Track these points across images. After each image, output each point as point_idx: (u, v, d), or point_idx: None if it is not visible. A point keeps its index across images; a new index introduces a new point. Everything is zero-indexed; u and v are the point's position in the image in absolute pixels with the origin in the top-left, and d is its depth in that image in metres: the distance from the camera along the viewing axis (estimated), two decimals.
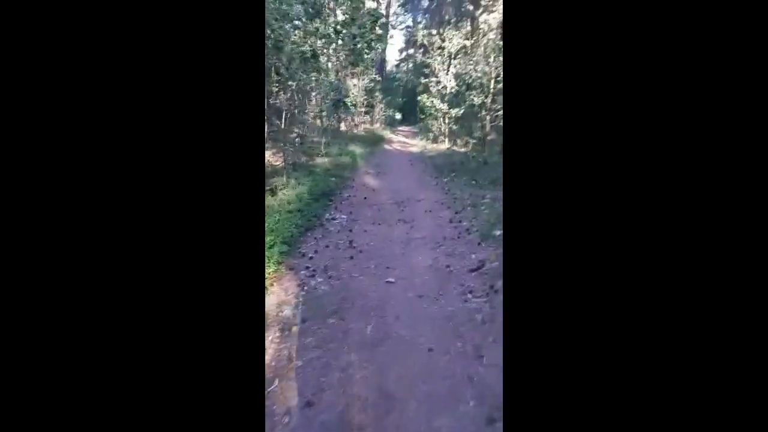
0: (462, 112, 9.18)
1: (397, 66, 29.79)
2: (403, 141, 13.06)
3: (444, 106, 10.00)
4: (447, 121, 10.18)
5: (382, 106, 16.00)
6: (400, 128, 19.62)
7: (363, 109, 13.54)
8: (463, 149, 9.31)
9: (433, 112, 10.81)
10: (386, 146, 11.54)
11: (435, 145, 10.89)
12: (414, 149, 10.80)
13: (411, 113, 22.47)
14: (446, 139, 10.43)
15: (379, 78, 16.62)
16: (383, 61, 20.49)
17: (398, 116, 23.14)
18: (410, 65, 27.61)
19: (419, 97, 11.82)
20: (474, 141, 8.92)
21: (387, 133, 14.93)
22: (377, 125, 15.69)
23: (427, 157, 8.72)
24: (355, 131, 12.88)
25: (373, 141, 11.36)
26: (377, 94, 15.63)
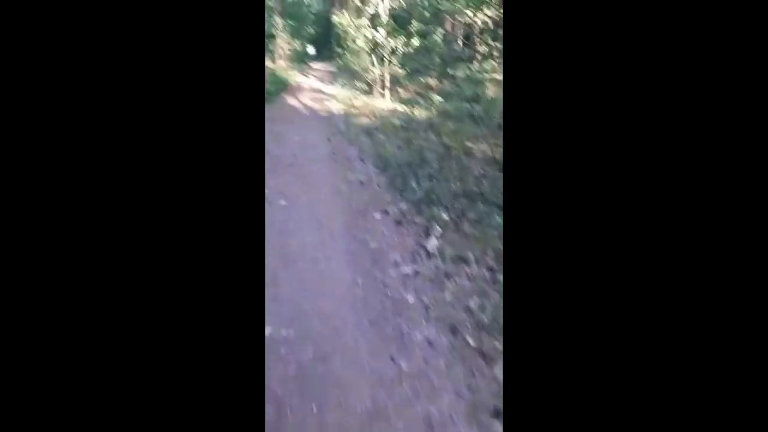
0: (417, 45, 5.45)
1: None
2: (318, 89, 9.23)
3: (380, 35, 6.04)
4: (386, 61, 6.30)
5: (284, 36, 12.24)
6: (313, 65, 16.57)
7: None
8: (419, 112, 5.57)
9: (359, 44, 6.78)
10: (289, 99, 7.68)
11: (368, 100, 7.05)
12: (334, 107, 6.96)
13: (326, 46, 19.16)
14: (387, 92, 6.55)
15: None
16: None
17: (311, 50, 19.64)
18: None
19: (336, 18, 7.64)
20: (439, 99, 5.44)
21: (293, 75, 11.21)
22: (281, 62, 11.98)
23: (358, 129, 5.12)
24: None
25: (270, 90, 7.60)
26: (275, 19, 11.76)
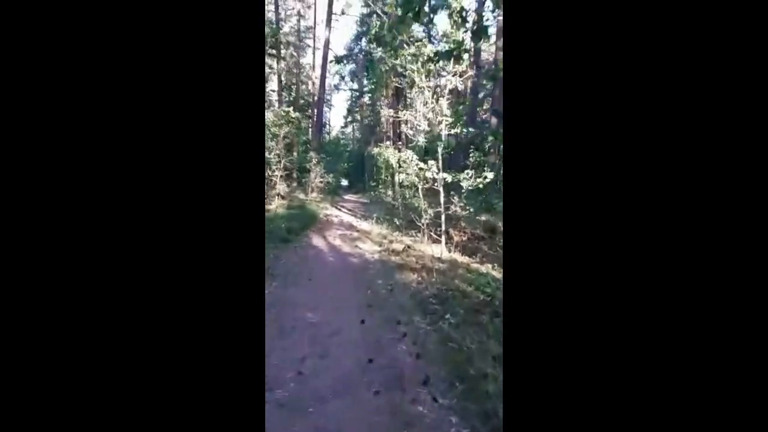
0: (491, 177, 3.96)
1: (342, 132, 27.96)
2: (348, 224, 8.05)
3: (432, 168, 4.69)
4: (442, 197, 4.75)
5: (319, 170, 11.91)
6: (346, 197, 16.41)
7: (279, 172, 9.24)
8: (496, 270, 3.87)
9: (402, 178, 5.29)
10: (314, 238, 6.37)
11: (411, 242, 5.50)
12: (367, 249, 5.56)
13: (358, 178, 19.65)
14: (442, 238, 4.84)
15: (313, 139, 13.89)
16: (322, 123, 17.59)
17: (344, 182, 20.02)
18: (356, 130, 25.82)
19: (375, 150, 6.53)
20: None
21: (325, 208, 10.46)
22: (314, 195, 11.59)
23: (406, 296, 3.55)
24: (270, 206, 8.36)
25: (294, 227, 6.54)
26: (312, 155, 11.73)
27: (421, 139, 5.17)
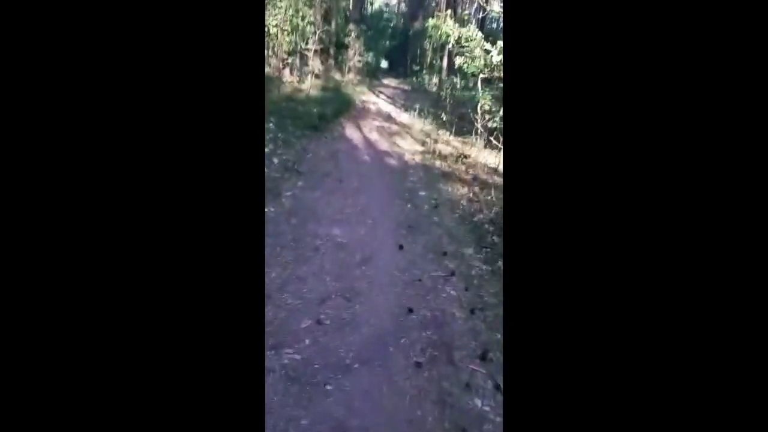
0: None
1: (386, 4, 23.78)
2: (387, 115, 7.08)
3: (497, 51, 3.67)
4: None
5: (358, 47, 10.29)
6: (385, 81, 14.78)
7: (313, 45, 7.87)
8: None
9: (466, 61, 4.16)
10: (348, 128, 5.67)
11: (462, 145, 4.68)
12: (407, 148, 4.85)
13: (400, 63, 17.35)
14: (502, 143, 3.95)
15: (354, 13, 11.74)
16: None
17: (384, 64, 17.92)
18: (402, 2, 21.96)
19: (431, 22, 4.88)
20: None
21: (361, 92, 9.28)
22: (351, 76, 10.32)
23: (459, 219, 2.97)
24: (302, 86, 7.42)
25: (326, 113, 5.77)
26: (351, 28, 10.11)
27: (496, 7, 3.83)
